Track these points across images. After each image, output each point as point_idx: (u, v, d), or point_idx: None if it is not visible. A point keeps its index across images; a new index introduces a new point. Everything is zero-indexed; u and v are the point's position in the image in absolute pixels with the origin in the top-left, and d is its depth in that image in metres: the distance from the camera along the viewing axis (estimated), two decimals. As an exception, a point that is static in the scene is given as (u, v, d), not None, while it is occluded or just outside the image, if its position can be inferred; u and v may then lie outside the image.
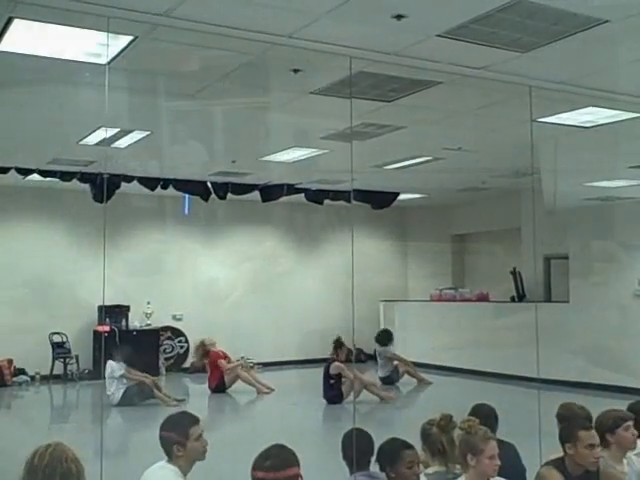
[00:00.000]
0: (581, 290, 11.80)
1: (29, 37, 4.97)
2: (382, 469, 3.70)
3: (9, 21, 4.64)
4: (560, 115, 7.12)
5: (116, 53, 5.22)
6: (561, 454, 4.08)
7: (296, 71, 5.69)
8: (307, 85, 6.17)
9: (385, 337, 12.41)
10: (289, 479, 2.68)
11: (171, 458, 3.48)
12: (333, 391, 10.37)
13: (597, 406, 4.68)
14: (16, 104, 7.38)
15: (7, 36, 4.89)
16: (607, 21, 4.62)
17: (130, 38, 4.99)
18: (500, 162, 10.94)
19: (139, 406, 10.22)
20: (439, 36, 4.95)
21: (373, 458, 3.94)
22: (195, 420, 3.57)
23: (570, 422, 4.24)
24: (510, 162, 10.75)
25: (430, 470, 3.99)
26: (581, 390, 10.45)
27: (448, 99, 6.70)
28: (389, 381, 12.05)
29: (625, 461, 4.40)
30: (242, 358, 13.65)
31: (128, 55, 5.26)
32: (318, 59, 5.36)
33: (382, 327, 14.58)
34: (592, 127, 7.49)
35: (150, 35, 4.89)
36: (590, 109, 6.88)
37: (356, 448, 3.91)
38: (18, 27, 4.74)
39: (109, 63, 5.20)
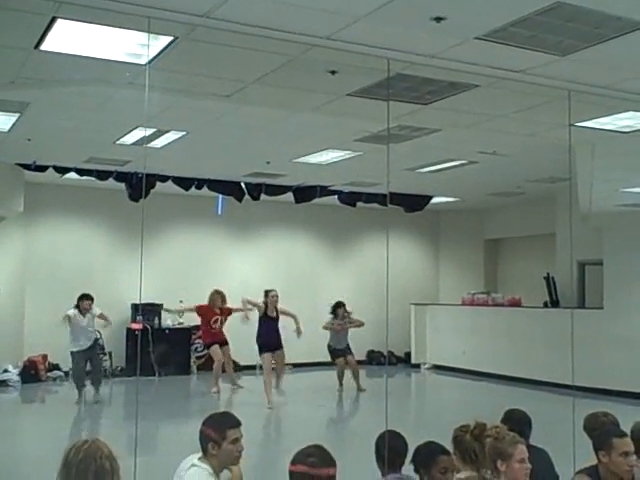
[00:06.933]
0: (616, 297, 11.64)
1: (71, 37, 5.05)
2: (416, 470, 3.70)
3: (52, 21, 4.72)
4: (599, 119, 7.04)
5: (156, 53, 5.29)
6: (595, 462, 4.03)
7: (333, 72, 5.70)
8: (344, 87, 6.17)
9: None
10: (328, 478, 2.84)
11: (206, 455, 3.49)
12: None
13: (632, 415, 4.62)
14: (56, 103, 7.51)
15: (50, 36, 4.98)
16: (650, 24, 4.57)
17: (170, 39, 5.04)
18: (536, 167, 10.85)
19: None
20: (478, 39, 4.92)
21: (407, 460, 3.93)
22: (235, 423, 3.55)
23: (604, 430, 4.19)
24: (546, 167, 10.66)
25: (462, 475, 3.96)
26: (616, 398, 10.31)
27: (485, 102, 6.66)
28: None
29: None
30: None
31: (167, 56, 5.32)
32: (356, 61, 5.36)
33: (411, 330, 14.60)
34: (631, 132, 7.40)
35: (190, 36, 4.94)
36: (630, 114, 6.79)
37: (389, 450, 3.91)
38: (61, 27, 4.82)
39: (149, 63, 5.25)
